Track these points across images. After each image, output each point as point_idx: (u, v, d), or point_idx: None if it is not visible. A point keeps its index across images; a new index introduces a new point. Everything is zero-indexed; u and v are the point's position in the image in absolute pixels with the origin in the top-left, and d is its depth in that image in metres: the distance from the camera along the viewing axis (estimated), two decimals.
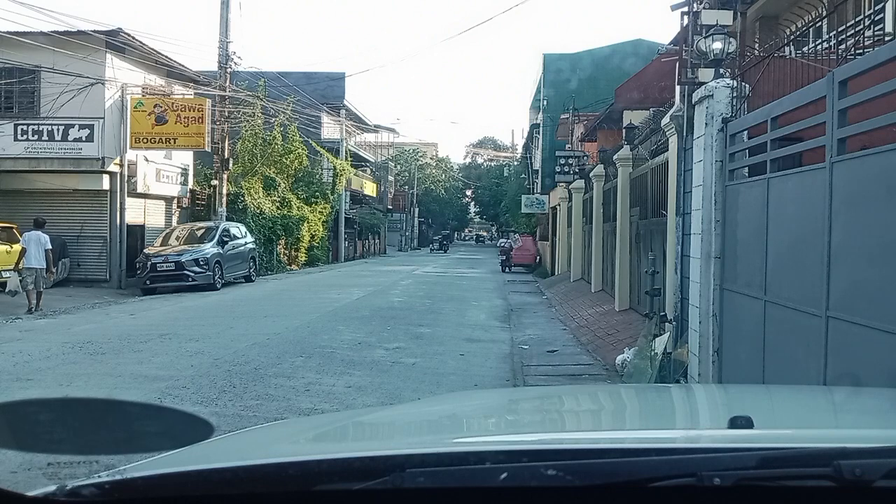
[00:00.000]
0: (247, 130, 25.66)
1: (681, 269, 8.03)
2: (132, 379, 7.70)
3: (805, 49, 8.24)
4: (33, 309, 13.60)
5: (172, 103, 19.77)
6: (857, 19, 8.02)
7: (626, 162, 13.59)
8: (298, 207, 28.39)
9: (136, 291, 17.92)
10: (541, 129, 30.89)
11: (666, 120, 9.07)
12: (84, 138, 18.24)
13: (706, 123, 6.42)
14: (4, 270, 16.13)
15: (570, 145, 25.88)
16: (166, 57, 19.99)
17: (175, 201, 22.13)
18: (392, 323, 12.60)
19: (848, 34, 7.67)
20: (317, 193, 30.59)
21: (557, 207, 26.96)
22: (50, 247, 14.22)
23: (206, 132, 19.85)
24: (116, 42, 18.16)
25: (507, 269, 30.28)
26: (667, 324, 8.46)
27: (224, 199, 22.22)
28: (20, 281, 13.86)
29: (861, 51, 5.82)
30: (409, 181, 63.38)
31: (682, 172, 8.11)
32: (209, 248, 18.79)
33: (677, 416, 2.16)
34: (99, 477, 1.21)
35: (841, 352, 4.06)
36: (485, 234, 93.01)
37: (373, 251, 44.92)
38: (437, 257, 44.88)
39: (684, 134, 7.98)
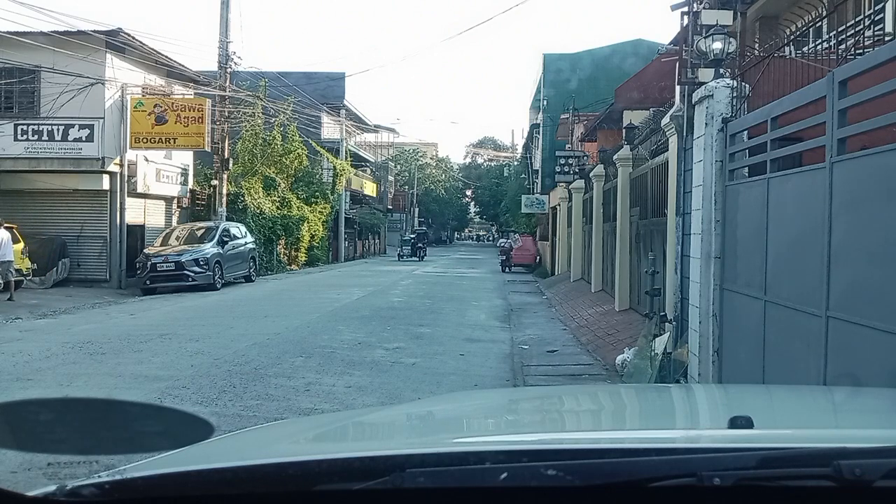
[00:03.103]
0: (247, 130, 25.66)
1: (681, 269, 8.03)
2: (132, 379, 7.70)
3: (805, 49, 8.24)
4: (12, 297, 14.94)
5: (172, 103, 19.77)
6: (857, 19, 8.02)
7: (626, 162, 13.59)
8: (298, 207, 28.40)
9: (136, 291, 17.92)
10: (541, 129, 30.89)
11: (666, 120, 9.06)
12: (84, 138, 18.23)
13: (706, 123, 6.42)
14: None
15: (570, 145, 25.88)
16: (166, 57, 19.99)
17: (175, 201, 22.13)
18: (392, 323, 12.60)
19: (848, 34, 7.67)
20: (317, 193, 30.60)
21: (557, 207, 26.96)
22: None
23: (206, 132, 19.85)
24: (116, 42, 18.16)
25: (507, 269, 30.28)
26: (667, 324, 8.46)
27: (224, 199, 22.22)
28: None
29: (861, 51, 5.82)
30: (409, 181, 63.39)
31: (682, 172, 8.11)
32: (209, 248, 18.79)
33: (677, 416, 2.16)
34: (99, 477, 1.21)
35: (841, 352, 4.06)
36: (483, 233, 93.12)
37: (373, 251, 44.91)
38: (425, 261, 36.42)
39: (684, 134, 7.98)
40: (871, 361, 3.70)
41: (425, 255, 39.51)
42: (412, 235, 41.69)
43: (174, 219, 22.03)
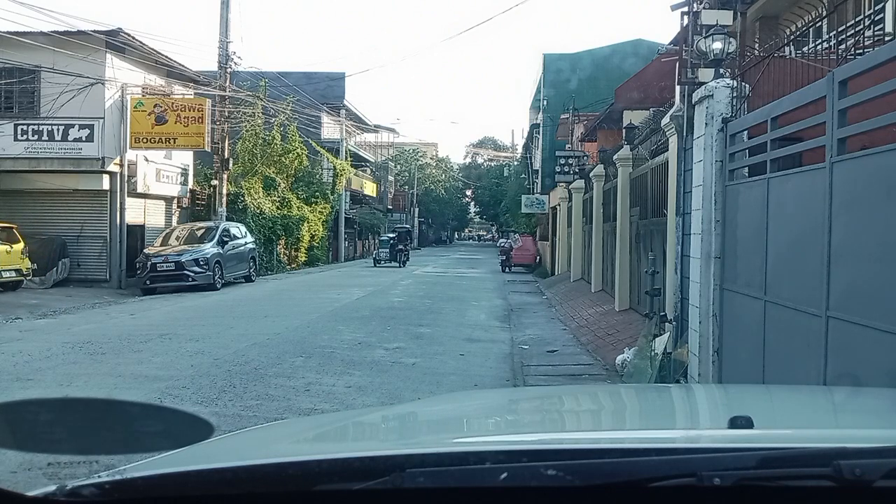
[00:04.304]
0: (247, 130, 25.66)
1: (681, 269, 8.02)
2: (132, 379, 7.70)
3: (805, 49, 8.24)
4: None
5: (172, 103, 19.77)
6: (857, 19, 8.01)
7: (626, 162, 13.59)
8: (298, 207, 28.39)
9: (136, 291, 17.92)
10: (541, 129, 30.89)
11: (666, 120, 9.06)
12: (84, 138, 18.23)
13: (706, 123, 6.42)
14: (4, 270, 16.21)
15: (570, 145, 25.88)
16: (166, 57, 19.99)
17: (175, 201, 22.13)
18: (392, 323, 12.60)
19: (848, 34, 7.67)
20: (317, 193, 30.59)
21: (557, 207, 26.96)
22: None
23: (206, 132, 19.85)
24: (116, 42, 18.16)
25: (507, 269, 30.27)
26: (667, 324, 8.46)
27: (224, 199, 22.22)
28: None
29: (861, 51, 5.82)
30: (409, 181, 63.39)
31: (682, 172, 8.11)
32: (209, 248, 18.79)
33: (677, 416, 2.16)
34: (99, 477, 1.21)
35: (841, 352, 4.06)
36: (483, 233, 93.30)
37: (373, 251, 44.89)
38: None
39: (684, 134, 7.98)
40: (871, 361, 3.70)
41: (408, 259, 31.03)
42: (391, 235, 32.27)
43: (174, 219, 22.02)
